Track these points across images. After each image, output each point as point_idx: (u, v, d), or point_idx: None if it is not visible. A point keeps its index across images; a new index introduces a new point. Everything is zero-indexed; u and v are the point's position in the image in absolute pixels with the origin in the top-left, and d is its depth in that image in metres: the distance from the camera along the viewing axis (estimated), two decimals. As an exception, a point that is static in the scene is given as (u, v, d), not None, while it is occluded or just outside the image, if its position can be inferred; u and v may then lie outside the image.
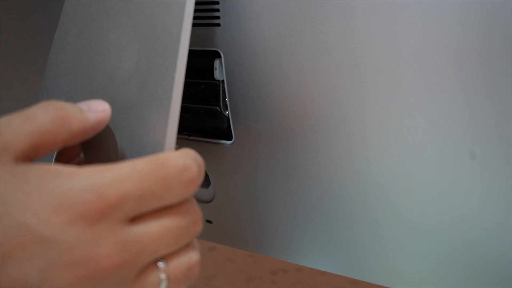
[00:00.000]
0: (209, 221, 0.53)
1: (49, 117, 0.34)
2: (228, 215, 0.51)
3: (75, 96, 0.43)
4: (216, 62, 0.47)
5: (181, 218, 0.34)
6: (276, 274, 0.75)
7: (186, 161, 0.35)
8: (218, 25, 0.45)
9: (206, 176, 0.51)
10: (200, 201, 0.53)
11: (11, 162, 0.32)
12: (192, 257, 0.35)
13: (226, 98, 0.48)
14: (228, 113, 0.48)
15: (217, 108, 0.49)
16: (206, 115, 0.50)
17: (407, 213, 0.42)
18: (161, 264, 0.34)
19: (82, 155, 0.44)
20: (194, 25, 0.46)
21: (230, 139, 0.49)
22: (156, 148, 0.37)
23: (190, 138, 0.52)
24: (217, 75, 0.47)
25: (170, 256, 0.34)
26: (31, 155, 0.33)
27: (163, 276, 0.33)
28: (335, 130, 0.43)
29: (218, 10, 0.45)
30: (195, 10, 0.45)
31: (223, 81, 0.48)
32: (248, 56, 0.45)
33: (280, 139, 0.46)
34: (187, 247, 0.35)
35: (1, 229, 0.29)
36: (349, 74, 0.41)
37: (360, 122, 0.42)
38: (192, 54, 0.48)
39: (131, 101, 0.40)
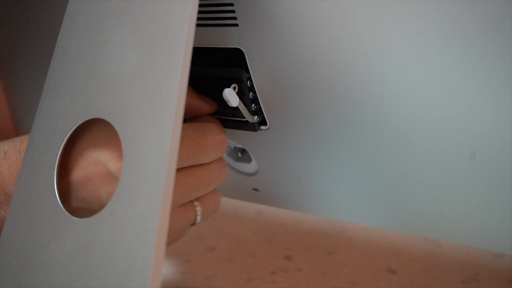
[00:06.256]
0: (256, 189, 0.58)
1: None
2: (271, 183, 0.56)
3: (78, 96, 0.43)
4: (227, 91, 0.46)
5: (211, 172, 0.47)
6: (276, 274, 0.75)
7: (222, 136, 0.48)
8: (236, 25, 0.45)
9: (247, 152, 0.55)
10: (245, 174, 0.57)
11: None
12: (216, 197, 0.49)
13: (253, 105, 0.49)
14: (256, 118, 0.50)
15: (246, 120, 0.50)
16: (236, 122, 0.51)
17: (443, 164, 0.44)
18: (196, 204, 0.47)
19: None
20: (212, 25, 0.46)
21: (266, 125, 0.50)
22: (161, 149, 0.38)
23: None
24: (232, 103, 0.47)
25: (202, 197, 0.48)
26: None
27: (199, 212, 0.48)
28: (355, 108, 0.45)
29: (233, 11, 0.45)
30: (212, 12, 0.46)
31: (241, 100, 0.49)
32: (269, 52, 0.46)
33: (309, 121, 0.48)
34: (214, 190, 0.49)
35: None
36: (369, 59, 0.42)
37: (386, 113, 0.44)
38: (216, 63, 0.50)
39: (135, 102, 0.40)
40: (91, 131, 0.45)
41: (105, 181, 0.42)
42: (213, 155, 0.47)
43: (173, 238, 0.49)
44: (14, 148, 0.47)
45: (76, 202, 0.44)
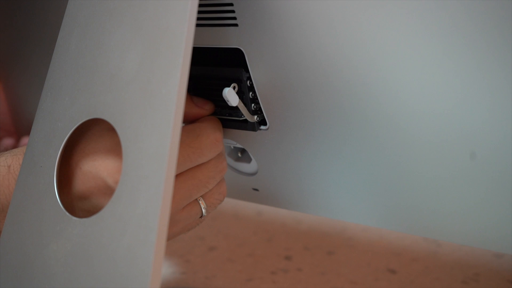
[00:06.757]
0: (255, 189, 0.58)
1: None
2: (271, 183, 0.56)
3: (78, 96, 0.43)
4: (226, 90, 0.46)
5: (209, 170, 0.47)
6: (276, 274, 0.75)
7: (216, 134, 0.47)
8: (236, 25, 0.45)
9: (247, 152, 0.55)
10: (245, 174, 0.57)
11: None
12: (220, 188, 0.49)
13: (253, 105, 0.49)
14: (256, 117, 0.50)
15: (246, 119, 0.50)
16: (235, 122, 0.51)
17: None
18: (200, 200, 0.48)
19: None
20: (212, 25, 0.46)
21: (265, 125, 0.50)
22: (161, 149, 0.38)
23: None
24: (231, 102, 0.47)
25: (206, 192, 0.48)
26: None
27: (203, 206, 0.48)
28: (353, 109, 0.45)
29: (233, 11, 0.45)
30: (212, 12, 0.46)
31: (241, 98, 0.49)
32: (268, 52, 0.46)
33: (309, 121, 0.48)
34: (217, 183, 0.49)
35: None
36: (369, 60, 0.42)
37: (382, 117, 0.44)
38: (215, 63, 0.50)
39: (135, 102, 0.40)
40: (90, 135, 0.45)
41: (106, 195, 0.43)
42: (210, 155, 0.47)
43: (186, 229, 0.49)
44: (18, 162, 0.47)
45: (81, 213, 0.44)
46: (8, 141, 0.74)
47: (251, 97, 0.49)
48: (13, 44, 0.68)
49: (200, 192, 0.47)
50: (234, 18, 0.45)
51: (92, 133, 0.45)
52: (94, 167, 0.44)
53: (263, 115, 0.50)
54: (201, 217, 0.49)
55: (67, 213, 0.41)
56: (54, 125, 0.44)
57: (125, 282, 0.37)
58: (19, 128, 0.76)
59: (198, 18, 0.46)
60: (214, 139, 0.47)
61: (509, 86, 0.38)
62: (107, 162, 0.43)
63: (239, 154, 0.57)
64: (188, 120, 0.51)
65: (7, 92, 0.74)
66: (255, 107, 0.49)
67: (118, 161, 0.43)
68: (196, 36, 0.46)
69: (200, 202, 0.48)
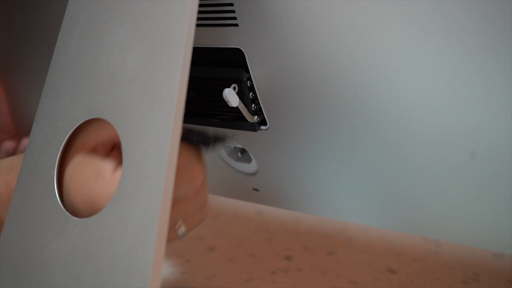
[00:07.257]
0: (255, 189, 0.57)
1: None
2: (271, 183, 0.56)
3: (79, 96, 0.43)
4: (227, 91, 0.46)
5: (186, 206, 0.45)
6: (276, 274, 0.75)
7: (192, 170, 0.44)
8: (236, 25, 0.45)
9: (247, 152, 0.55)
10: (245, 174, 0.57)
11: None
12: (202, 211, 0.46)
13: (253, 105, 0.49)
14: (257, 118, 0.50)
15: (246, 120, 0.50)
16: (236, 122, 0.51)
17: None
18: (180, 227, 0.45)
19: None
20: (212, 25, 0.46)
21: (266, 125, 0.50)
22: (161, 149, 0.38)
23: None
24: (232, 103, 0.46)
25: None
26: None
27: (182, 231, 0.45)
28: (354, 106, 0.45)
29: (233, 11, 0.45)
30: (212, 12, 0.46)
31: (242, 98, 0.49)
32: (269, 52, 0.46)
33: (309, 121, 0.48)
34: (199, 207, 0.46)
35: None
36: (370, 60, 0.42)
37: (380, 112, 0.44)
38: (216, 64, 0.49)
39: (135, 102, 0.40)
40: (65, 163, 0.44)
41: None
42: (187, 190, 0.44)
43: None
44: (2, 179, 0.46)
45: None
46: (9, 144, 0.74)
47: (251, 97, 0.49)
48: (13, 44, 0.68)
49: (178, 221, 0.45)
50: (234, 18, 0.45)
51: (66, 161, 0.44)
52: (68, 196, 0.43)
53: (263, 115, 0.50)
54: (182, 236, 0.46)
55: (67, 213, 0.41)
56: (54, 125, 0.44)
57: (125, 282, 0.37)
58: (19, 128, 0.76)
59: (198, 18, 0.46)
60: (191, 176, 0.44)
61: (509, 85, 0.38)
62: (80, 195, 0.42)
63: (239, 154, 0.57)
64: None
65: (7, 92, 0.74)
66: (255, 107, 0.49)
67: (89, 193, 0.42)
68: (196, 36, 0.46)
69: (180, 227, 0.45)
